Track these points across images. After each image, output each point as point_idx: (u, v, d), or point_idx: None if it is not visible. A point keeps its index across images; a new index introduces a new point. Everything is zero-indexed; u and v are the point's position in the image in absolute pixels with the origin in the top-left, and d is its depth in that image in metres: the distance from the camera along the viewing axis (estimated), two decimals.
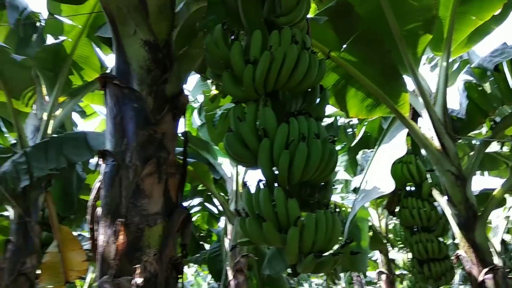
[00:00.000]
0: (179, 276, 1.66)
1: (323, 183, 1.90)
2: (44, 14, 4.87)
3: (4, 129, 6.32)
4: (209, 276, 18.93)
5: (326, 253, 1.67)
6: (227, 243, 5.86)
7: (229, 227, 5.94)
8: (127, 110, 1.79)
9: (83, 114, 6.47)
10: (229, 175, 6.33)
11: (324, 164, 1.76)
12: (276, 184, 1.76)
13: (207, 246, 8.53)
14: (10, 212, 6.73)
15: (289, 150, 1.66)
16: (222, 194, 6.96)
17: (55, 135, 4.62)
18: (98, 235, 1.66)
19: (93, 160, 5.20)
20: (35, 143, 4.48)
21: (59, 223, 4.97)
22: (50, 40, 4.91)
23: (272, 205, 1.67)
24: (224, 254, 6.43)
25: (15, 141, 6.47)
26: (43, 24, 4.78)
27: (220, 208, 7.16)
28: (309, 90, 1.96)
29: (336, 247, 1.82)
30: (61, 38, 4.70)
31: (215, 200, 7.53)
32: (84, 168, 5.48)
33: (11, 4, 4.36)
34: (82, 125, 6.55)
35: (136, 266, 1.52)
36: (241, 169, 6.25)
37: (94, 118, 6.82)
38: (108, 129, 1.82)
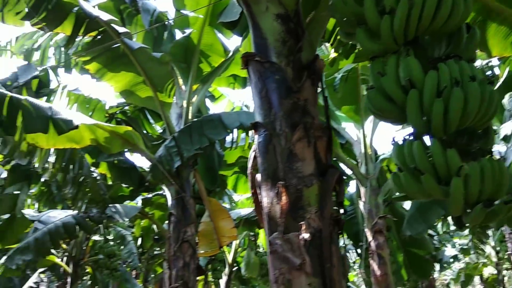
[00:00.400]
0: (339, 232, 1.76)
1: (482, 130, 1.75)
2: (170, 12, 5.43)
3: (151, 121, 7.35)
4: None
5: (496, 202, 1.56)
6: (361, 205, 5.84)
7: (362, 189, 5.89)
8: (270, 83, 1.92)
9: (212, 98, 7.09)
10: (355, 138, 6.22)
11: (484, 108, 1.62)
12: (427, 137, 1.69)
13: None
14: (165, 191, 7.86)
15: (442, 98, 1.57)
16: (348, 158, 6.88)
17: (195, 119, 5.18)
18: (262, 198, 1.86)
19: (228, 138, 5.67)
20: (180, 129, 5.11)
21: (207, 196, 5.66)
22: (178, 35, 5.48)
23: (427, 156, 1.62)
24: (360, 217, 6.43)
25: (161, 130, 7.49)
26: (171, 22, 5.34)
27: (348, 172, 7.12)
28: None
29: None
30: (187, 31, 5.18)
31: (341, 165, 7.47)
32: (221, 145, 6.04)
33: (143, 8, 4.97)
34: (212, 108, 7.18)
35: (301, 223, 1.67)
36: (368, 131, 6.07)
37: (222, 101, 7.41)
38: (256, 103, 2.00)
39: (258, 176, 1.93)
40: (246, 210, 8.86)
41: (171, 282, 4.70)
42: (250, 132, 5.59)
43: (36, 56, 6.45)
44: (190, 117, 5.30)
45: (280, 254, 1.65)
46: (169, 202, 7.77)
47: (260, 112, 1.96)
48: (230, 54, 5.25)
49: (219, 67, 5.32)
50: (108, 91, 26.85)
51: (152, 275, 15.32)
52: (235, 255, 10.23)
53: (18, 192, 5.61)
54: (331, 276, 1.60)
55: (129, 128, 4.78)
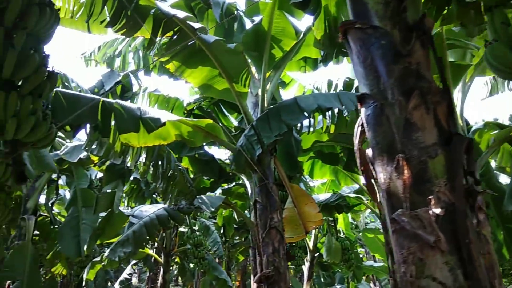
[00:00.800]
0: (473, 204, 1.59)
1: None
2: (238, 1, 5.44)
3: (226, 113, 7.50)
4: None
5: None
6: None
7: None
8: (375, 49, 1.79)
9: (283, 84, 7.02)
10: None
11: None
12: None
13: None
14: (244, 181, 8.00)
15: None
16: None
17: (271, 106, 5.16)
18: (377, 174, 1.75)
19: (305, 122, 5.57)
20: (258, 117, 5.13)
21: (289, 182, 5.63)
22: (248, 24, 5.48)
23: None
24: None
25: (235, 122, 7.62)
26: (240, 13, 5.35)
27: None
28: None
29: None
30: (256, 18, 5.15)
31: None
32: (297, 131, 5.97)
33: (214, 2, 5.03)
34: (284, 94, 7.09)
35: (429, 197, 1.53)
36: (457, 101, 5.56)
37: (293, 86, 7.30)
38: (359, 74, 1.88)
39: (369, 152, 1.82)
40: (324, 195, 8.73)
41: (262, 268, 4.78)
42: (328, 114, 5.44)
43: (118, 62, 6.91)
44: (266, 105, 5.29)
45: (409, 232, 1.53)
46: (249, 191, 7.92)
47: (365, 82, 1.83)
48: (301, 35, 5.12)
49: (290, 50, 5.22)
50: (184, 89, 28.23)
51: (234, 263, 15.88)
52: (316, 241, 10.16)
53: (115, 190, 6.07)
54: (470, 253, 1.45)
55: (210, 121, 4.90)
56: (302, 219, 5.33)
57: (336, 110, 5.44)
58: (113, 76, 6.83)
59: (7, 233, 8.09)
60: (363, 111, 1.84)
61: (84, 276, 8.96)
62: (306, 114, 4.90)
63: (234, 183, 8.74)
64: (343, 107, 4.90)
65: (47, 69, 2.16)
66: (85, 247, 6.30)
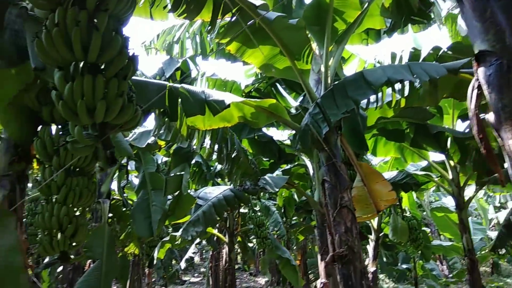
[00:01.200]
0: None
1: None
2: None
3: (283, 94, 7.40)
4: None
5: None
6: None
7: None
8: (495, 0, 1.58)
9: (342, 60, 6.74)
10: None
11: None
12: None
13: None
14: (305, 161, 7.89)
15: None
16: None
17: (336, 83, 4.96)
18: (504, 142, 1.56)
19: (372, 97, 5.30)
20: (322, 94, 4.96)
21: (356, 159, 5.44)
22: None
23: None
24: None
25: (293, 102, 7.49)
26: None
27: None
28: None
29: None
30: None
31: None
32: (362, 108, 5.72)
33: None
34: (343, 70, 6.78)
35: None
36: None
37: (353, 61, 7.00)
38: (475, 30, 1.67)
39: (489, 117, 1.63)
40: (389, 173, 8.40)
41: (335, 247, 4.69)
42: (397, 86, 5.12)
43: (176, 49, 7.04)
44: (329, 81, 5.10)
45: None
46: (311, 171, 7.83)
47: (484, 38, 1.63)
48: (366, 5, 4.83)
49: (354, 22, 4.95)
50: (240, 72, 28.63)
51: (294, 242, 15.99)
52: (380, 221, 9.88)
53: (182, 172, 6.27)
54: None
55: (274, 101, 4.82)
56: (372, 198, 5.14)
57: (406, 83, 5.10)
58: (172, 63, 6.99)
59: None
60: (481, 71, 1.64)
61: (155, 255, 9.49)
62: (374, 88, 4.65)
63: (294, 164, 8.68)
64: (416, 77, 4.58)
65: (129, 51, 2.18)
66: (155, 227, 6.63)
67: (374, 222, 9.72)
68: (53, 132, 3.41)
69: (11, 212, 2.31)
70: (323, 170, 5.08)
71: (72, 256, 3.97)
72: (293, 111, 6.94)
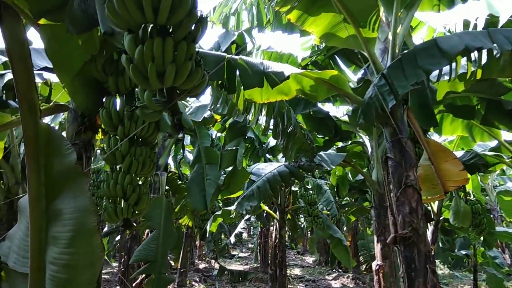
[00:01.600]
0: None
1: None
2: None
3: (342, 67, 7.04)
4: None
5: None
6: None
7: None
8: None
9: (410, 28, 6.22)
10: None
11: None
12: None
13: None
14: (363, 138, 7.55)
15: None
16: None
17: (405, 52, 4.57)
18: None
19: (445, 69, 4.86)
20: (389, 65, 4.60)
21: (424, 136, 5.05)
22: None
23: None
24: None
25: (353, 75, 7.11)
26: None
27: None
28: None
29: None
30: None
31: None
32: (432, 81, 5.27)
33: None
34: (411, 39, 6.26)
35: None
36: None
37: (421, 29, 6.45)
38: None
39: None
40: (455, 154, 7.81)
41: (397, 228, 4.44)
42: (473, 55, 4.62)
43: (232, 22, 6.90)
44: (397, 51, 4.71)
45: None
46: (369, 149, 7.49)
47: None
48: None
49: None
50: (296, 45, 28.12)
51: (345, 223, 15.74)
52: (441, 204, 9.33)
53: (237, 147, 6.24)
54: None
55: (335, 72, 4.56)
56: (440, 177, 4.77)
57: (484, 52, 4.59)
58: (228, 36, 6.87)
59: None
60: None
61: (208, 228, 9.72)
62: (449, 57, 4.21)
63: (349, 142, 8.37)
64: (496, 46, 4.08)
65: (197, 12, 2.06)
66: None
67: (434, 205, 9.20)
68: (118, 102, 3.44)
69: (85, 173, 2.35)
70: (388, 147, 4.78)
71: (134, 224, 4.07)
72: (351, 85, 6.60)
